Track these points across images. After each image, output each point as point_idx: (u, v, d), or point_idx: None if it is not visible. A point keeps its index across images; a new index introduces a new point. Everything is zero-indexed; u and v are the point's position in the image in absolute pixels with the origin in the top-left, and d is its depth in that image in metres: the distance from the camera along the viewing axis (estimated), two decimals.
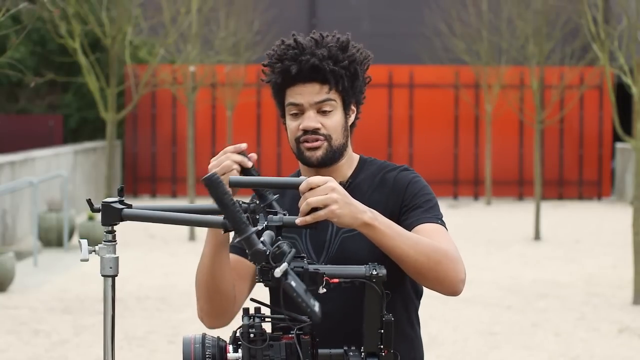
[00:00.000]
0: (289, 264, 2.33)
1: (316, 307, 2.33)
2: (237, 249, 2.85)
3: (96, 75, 14.72)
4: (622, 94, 18.92)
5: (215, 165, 2.68)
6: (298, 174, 2.96)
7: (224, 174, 2.65)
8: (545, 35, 16.63)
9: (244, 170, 2.68)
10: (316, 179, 2.52)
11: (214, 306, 2.82)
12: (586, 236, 16.21)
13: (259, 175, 2.70)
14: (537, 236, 15.63)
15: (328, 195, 2.51)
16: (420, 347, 2.96)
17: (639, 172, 10.75)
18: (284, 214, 2.55)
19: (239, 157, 2.68)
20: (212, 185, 2.30)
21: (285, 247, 2.37)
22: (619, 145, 22.76)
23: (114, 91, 14.33)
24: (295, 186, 2.54)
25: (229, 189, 2.30)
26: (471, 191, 22.69)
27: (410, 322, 2.92)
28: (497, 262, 13.37)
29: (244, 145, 2.71)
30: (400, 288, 2.84)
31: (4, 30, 14.83)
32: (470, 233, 16.34)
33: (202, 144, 21.90)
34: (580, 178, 22.77)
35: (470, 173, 22.65)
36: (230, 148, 2.71)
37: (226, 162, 2.67)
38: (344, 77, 2.84)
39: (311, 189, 2.51)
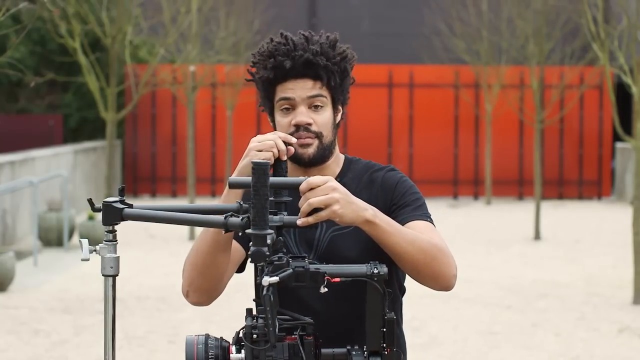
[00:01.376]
0: (280, 280, 2.33)
1: (276, 329, 2.35)
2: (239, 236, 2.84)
3: (96, 75, 14.71)
4: (622, 94, 18.92)
5: (259, 140, 2.68)
6: None
7: (260, 150, 2.65)
8: (545, 35, 16.62)
9: (277, 161, 2.68)
10: (316, 179, 2.52)
11: (205, 280, 2.79)
12: (586, 236, 16.20)
13: (286, 171, 2.70)
14: (537, 236, 15.62)
15: (329, 195, 2.51)
16: (404, 343, 2.99)
17: (639, 172, 10.75)
18: (285, 214, 2.55)
19: (283, 146, 2.68)
20: (259, 173, 2.27)
21: (285, 261, 2.37)
22: (619, 145, 22.75)
23: (114, 91, 14.32)
24: (295, 186, 2.53)
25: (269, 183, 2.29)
26: (471, 191, 22.68)
27: (397, 320, 2.92)
28: (497, 262, 13.36)
29: (294, 140, 2.73)
30: (388, 285, 2.84)
31: (4, 30, 14.82)
32: (470, 233, 16.33)
33: (202, 144, 21.90)
34: (580, 178, 22.76)
35: (470, 173, 22.64)
36: (281, 134, 2.71)
37: (270, 142, 2.67)
38: (335, 74, 2.86)
39: (312, 189, 2.51)
